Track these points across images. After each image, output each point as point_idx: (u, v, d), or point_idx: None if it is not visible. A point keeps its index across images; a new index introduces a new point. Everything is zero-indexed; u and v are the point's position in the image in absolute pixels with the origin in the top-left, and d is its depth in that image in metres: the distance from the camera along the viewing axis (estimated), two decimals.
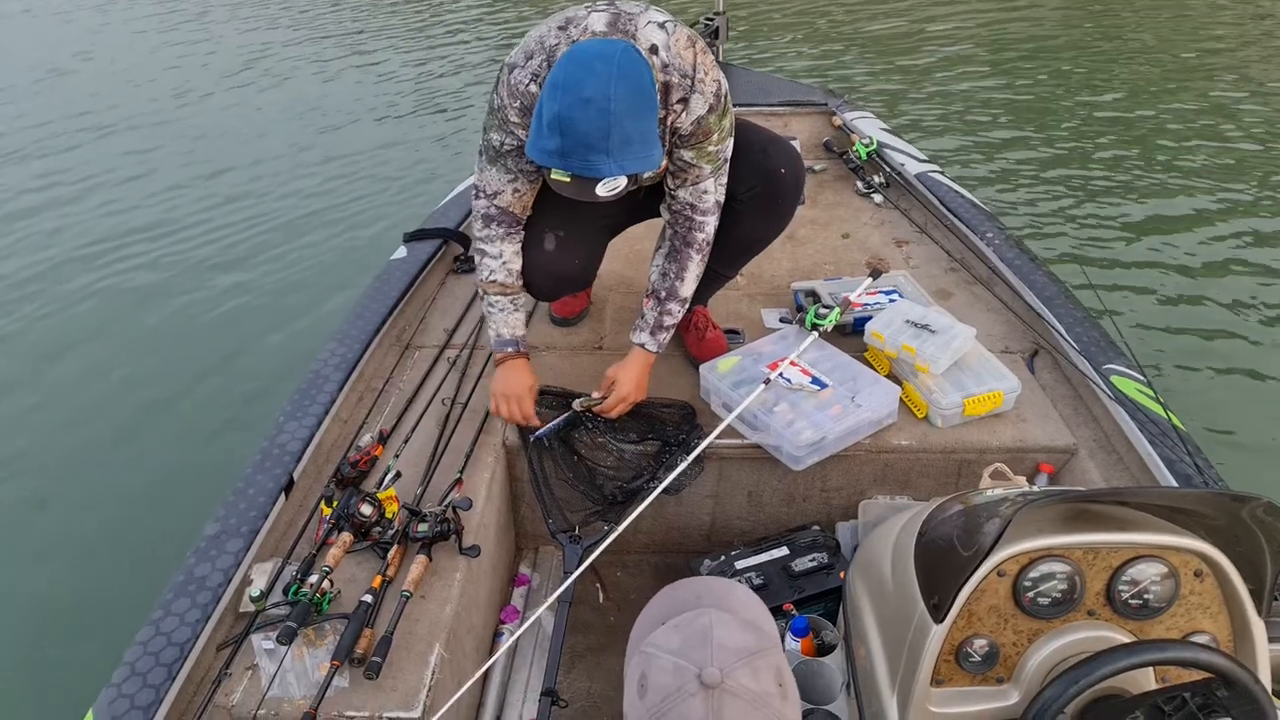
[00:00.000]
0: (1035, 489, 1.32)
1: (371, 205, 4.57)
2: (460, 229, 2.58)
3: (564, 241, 1.88)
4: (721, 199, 1.79)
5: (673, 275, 1.85)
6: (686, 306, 1.89)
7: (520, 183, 1.76)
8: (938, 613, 1.15)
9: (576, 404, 1.93)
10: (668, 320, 1.88)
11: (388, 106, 5.91)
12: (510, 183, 1.76)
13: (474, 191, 1.81)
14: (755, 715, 0.83)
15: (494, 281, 1.85)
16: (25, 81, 6.83)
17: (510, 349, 1.89)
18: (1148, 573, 1.15)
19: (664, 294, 1.86)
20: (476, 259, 1.86)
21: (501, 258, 1.83)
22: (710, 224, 1.80)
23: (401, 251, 2.46)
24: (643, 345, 1.90)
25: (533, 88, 1.57)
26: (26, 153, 5.51)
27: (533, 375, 1.92)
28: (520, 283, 1.87)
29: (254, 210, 4.61)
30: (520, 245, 1.85)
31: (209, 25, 8.11)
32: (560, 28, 1.57)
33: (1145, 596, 1.16)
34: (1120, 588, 1.15)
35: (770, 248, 2.02)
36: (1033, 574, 1.14)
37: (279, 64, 7.00)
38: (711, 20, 3.40)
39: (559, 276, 1.95)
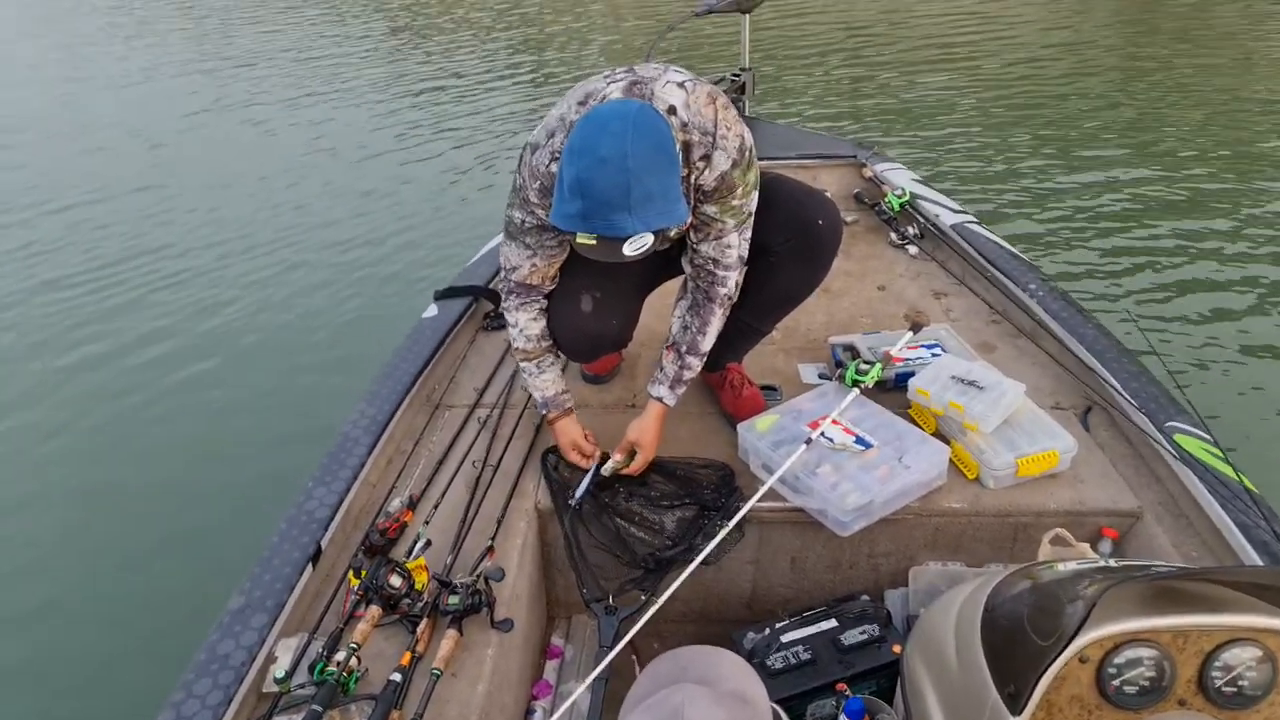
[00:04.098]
0: (1109, 561, 1.22)
1: (404, 262, 4.58)
2: (490, 285, 2.55)
3: (600, 302, 1.84)
4: (745, 254, 1.75)
5: (695, 329, 1.81)
6: (704, 360, 1.86)
7: (539, 258, 1.77)
8: (1014, 703, 1.05)
9: (606, 470, 1.88)
10: (686, 374, 1.85)
11: (421, 166, 5.97)
12: (529, 258, 1.77)
13: (499, 266, 1.85)
14: None
15: (517, 349, 1.87)
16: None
17: (545, 411, 1.90)
18: (1242, 657, 1.05)
19: (685, 348, 1.83)
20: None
21: (518, 326, 1.84)
22: (733, 278, 1.76)
23: (432, 309, 2.43)
24: (660, 399, 1.87)
25: (553, 167, 1.56)
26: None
27: (578, 426, 1.93)
28: (543, 345, 1.86)
29: (281, 266, 4.63)
30: (538, 311, 1.85)
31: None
32: (580, 103, 1.55)
33: (1240, 683, 1.06)
34: (1214, 674, 1.05)
35: (804, 301, 1.96)
36: (1118, 660, 1.04)
37: (309, 113, 7.12)
38: (739, 75, 3.40)
39: (597, 338, 1.91)
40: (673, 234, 1.68)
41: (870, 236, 2.94)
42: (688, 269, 1.82)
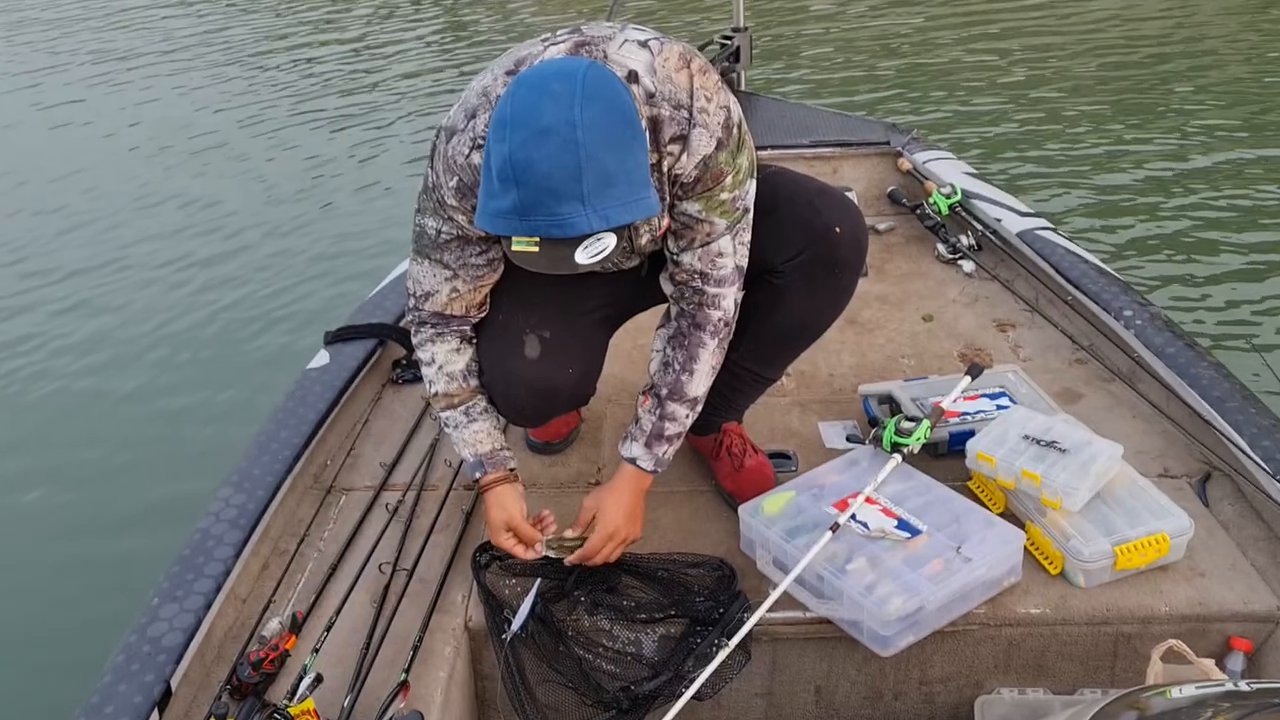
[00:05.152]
0: (1241, 683, 1.25)
1: (282, 295, 4.56)
2: (401, 323, 2.56)
3: (551, 345, 1.86)
4: (743, 263, 1.77)
5: (678, 367, 1.82)
6: (696, 410, 1.86)
7: (461, 281, 1.77)
8: None
9: (540, 546, 1.87)
10: (670, 428, 1.84)
11: (289, 159, 5.94)
12: (448, 281, 1.77)
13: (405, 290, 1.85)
14: None
15: (436, 395, 1.87)
16: None
17: (480, 473, 1.88)
18: None
19: (665, 391, 1.83)
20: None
21: (435, 362, 1.85)
22: (728, 297, 1.78)
23: (322, 357, 2.45)
24: (634, 461, 1.86)
25: (474, 158, 1.57)
26: None
27: (519, 498, 1.89)
28: (470, 385, 1.87)
29: (89, 305, 4.55)
30: (459, 341, 1.86)
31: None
32: (508, 72, 1.57)
33: None
34: None
35: (825, 337, 2.00)
36: None
37: (124, 92, 7.04)
38: (729, 39, 3.49)
39: (548, 393, 1.92)
40: (643, 241, 1.70)
41: (911, 249, 3.00)
42: (668, 288, 1.84)
